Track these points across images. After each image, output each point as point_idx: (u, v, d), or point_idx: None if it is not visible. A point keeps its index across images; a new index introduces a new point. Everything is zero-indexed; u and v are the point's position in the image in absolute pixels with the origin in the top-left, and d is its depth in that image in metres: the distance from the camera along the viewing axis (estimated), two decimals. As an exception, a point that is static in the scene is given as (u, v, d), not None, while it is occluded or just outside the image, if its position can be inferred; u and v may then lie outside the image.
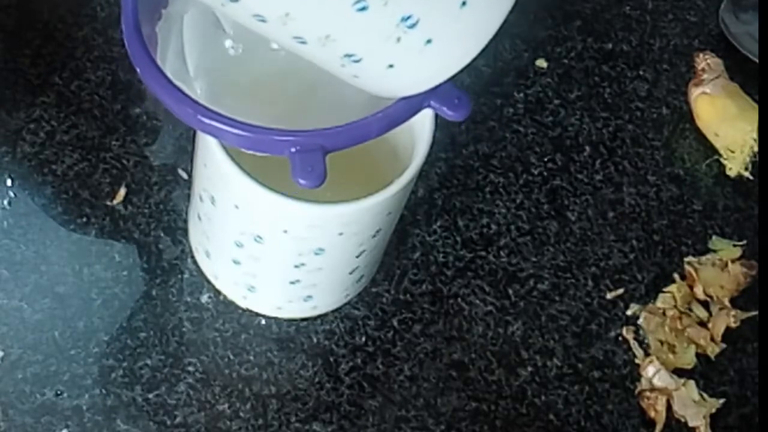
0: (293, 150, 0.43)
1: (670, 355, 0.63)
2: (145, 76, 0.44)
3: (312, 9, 0.40)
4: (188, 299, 0.60)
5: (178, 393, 0.57)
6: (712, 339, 0.64)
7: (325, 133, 0.44)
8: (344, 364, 0.60)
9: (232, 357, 0.59)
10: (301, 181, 0.43)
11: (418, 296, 0.63)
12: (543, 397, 0.61)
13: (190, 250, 0.61)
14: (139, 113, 0.64)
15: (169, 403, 0.57)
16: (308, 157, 0.43)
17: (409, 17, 0.40)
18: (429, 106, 0.45)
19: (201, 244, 0.59)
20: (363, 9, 0.39)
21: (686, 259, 0.66)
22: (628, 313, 0.65)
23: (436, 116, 0.50)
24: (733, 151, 0.70)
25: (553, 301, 0.64)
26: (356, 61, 0.42)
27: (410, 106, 0.45)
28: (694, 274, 0.65)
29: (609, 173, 0.69)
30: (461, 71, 0.44)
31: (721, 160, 0.70)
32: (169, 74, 0.44)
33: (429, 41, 0.42)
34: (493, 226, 0.66)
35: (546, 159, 0.69)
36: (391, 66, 0.43)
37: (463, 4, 0.41)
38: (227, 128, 0.44)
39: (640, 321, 0.64)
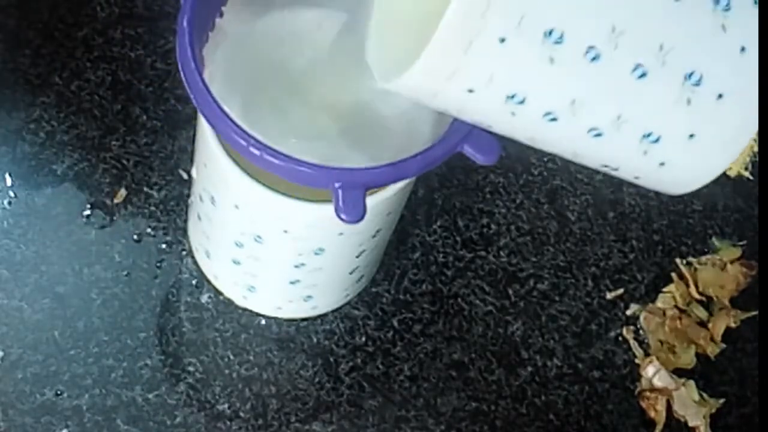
0: (336, 185, 0.44)
1: (670, 355, 0.63)
2: (202, 106, 0.45)
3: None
4: (188, 299, 0.60)
5: (178, 393, 0.57)
6: (712, 339, 0.64)
7: (368, 172, 0.45)
8: (344, 364, 0.60)
9: (232, 357, 0.59)
10: (344, 217, 0.45)
11: (418, 296, 0.63)
12: (543, 397, 0.61)
13: (190, 250, 0.61)
14: (139, 113, 0.64)
15: (169, 403, 0.57)
16: (350, 194, 0.45)
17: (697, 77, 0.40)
18: (462, 149, 0.46)
19: (201, 244, 0.59)
20: (642, 76, 0.39)
21: (677, 260, 0.66)
22: (628, 313, 0.65)
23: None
24: (733, 151, 0.70)
25: (553, 301, 0.64)
26: (654, 142, 0.41)
27: (445, 149, 0.46)
28: (687, 274, 0.65)
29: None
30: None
31: (721, 160, 0.70)
32: (215, 95, 0.45)
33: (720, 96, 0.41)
34: (493, 226, 0.66)
35: (546, 159, 0.68)
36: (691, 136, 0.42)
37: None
38: (277, 161, 0.45)
39: (640, 321, 0.64)
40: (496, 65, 0.38)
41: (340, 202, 0.44)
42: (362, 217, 0.45)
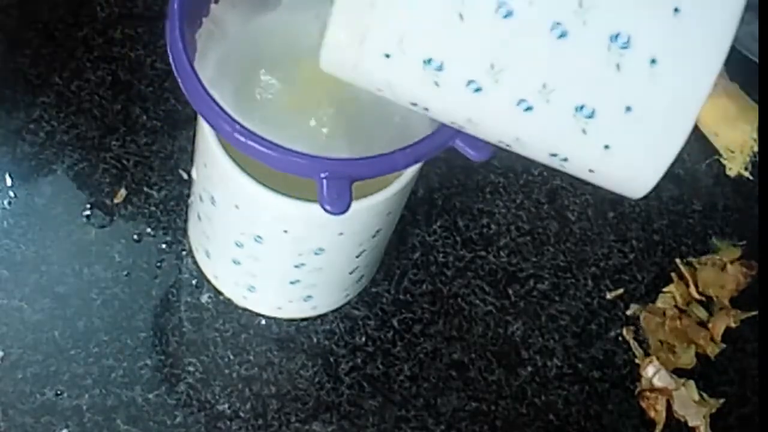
0: (322, 176, 0.44)
1: (670, 355, 0.63)
2: (189, 90, 0.44)
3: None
4: (188, 299, 0.60)
5: (178, 393, 0.57)
6: (712, 339, 0.64)
7: (354, 163, 0.44)
8: (344, 364, 0.60)
9: (232, 357, 0.59)
10: (328, 207, 0.44)
11: (418, 296, 0.63)
12: (543, 397, 0.61)
13: (190, 250, 0.61)
14: (139, 113, 0.64)
15: (169, 403, 0.57)
16: (336, 184, 0.44)
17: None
18: (454, 144, 0.46)
19: (201, 244, 0.59)
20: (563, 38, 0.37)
21: (677, 260, 0.66)
22: (628, 313, 0.65)
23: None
24: (733, 151, 0.70)
25: (553, 301, 0.64)
26: (589, 116, 0.39)
27: (435, 143, 0.45)
28: (687, 274, 0.65)
29: (609, 173, 0.69)
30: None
31: (721, 160, 0.70)
32: (206, 84, 0.45)
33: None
34: (493, 226, 0.66)
35: (546, 159, 0.68)
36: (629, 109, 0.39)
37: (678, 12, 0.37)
38: (262, 148, 0.44)
39: (640, 321, 0.64)
40: (404, 23, 0.38)
41: (325, 193, 0.44)
42: (347, 209, 0.44)
